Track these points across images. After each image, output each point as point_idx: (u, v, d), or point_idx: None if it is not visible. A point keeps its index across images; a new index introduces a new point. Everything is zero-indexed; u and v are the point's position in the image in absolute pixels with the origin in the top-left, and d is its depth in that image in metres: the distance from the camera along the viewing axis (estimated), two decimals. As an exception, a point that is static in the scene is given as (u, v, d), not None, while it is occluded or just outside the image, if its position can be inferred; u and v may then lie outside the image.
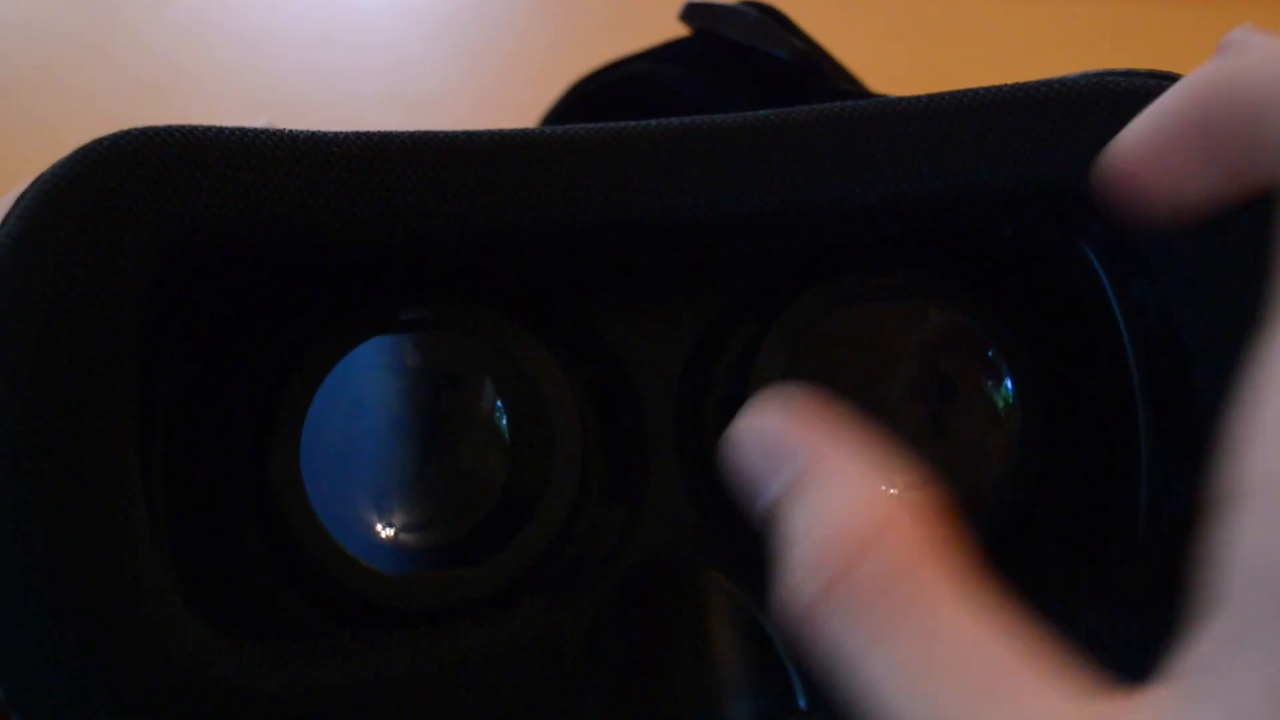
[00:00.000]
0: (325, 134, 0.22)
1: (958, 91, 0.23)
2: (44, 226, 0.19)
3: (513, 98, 0.58)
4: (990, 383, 0.26)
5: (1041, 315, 0.27)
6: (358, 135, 0.22)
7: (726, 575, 0.24)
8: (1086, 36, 0.63)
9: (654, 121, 0.23)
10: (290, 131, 0.22)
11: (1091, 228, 0.25)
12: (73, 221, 0.20)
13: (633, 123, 0.23)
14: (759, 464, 0.18)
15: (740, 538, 0.25)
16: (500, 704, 0.22)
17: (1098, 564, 0.25)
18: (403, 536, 0.24)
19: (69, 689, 0.19)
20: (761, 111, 0.23)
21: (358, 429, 0.24)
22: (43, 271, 0.19)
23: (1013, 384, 0.26)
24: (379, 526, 0.24)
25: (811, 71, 0.30)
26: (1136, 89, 0.23)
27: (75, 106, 0.58)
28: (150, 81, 0.60)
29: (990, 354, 0.26)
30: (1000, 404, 0.26)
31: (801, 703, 0.23)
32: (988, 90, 0.23)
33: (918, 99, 0.23)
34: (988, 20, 0.63)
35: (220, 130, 0.21)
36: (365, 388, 0.24)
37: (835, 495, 0.16)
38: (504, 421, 0.25)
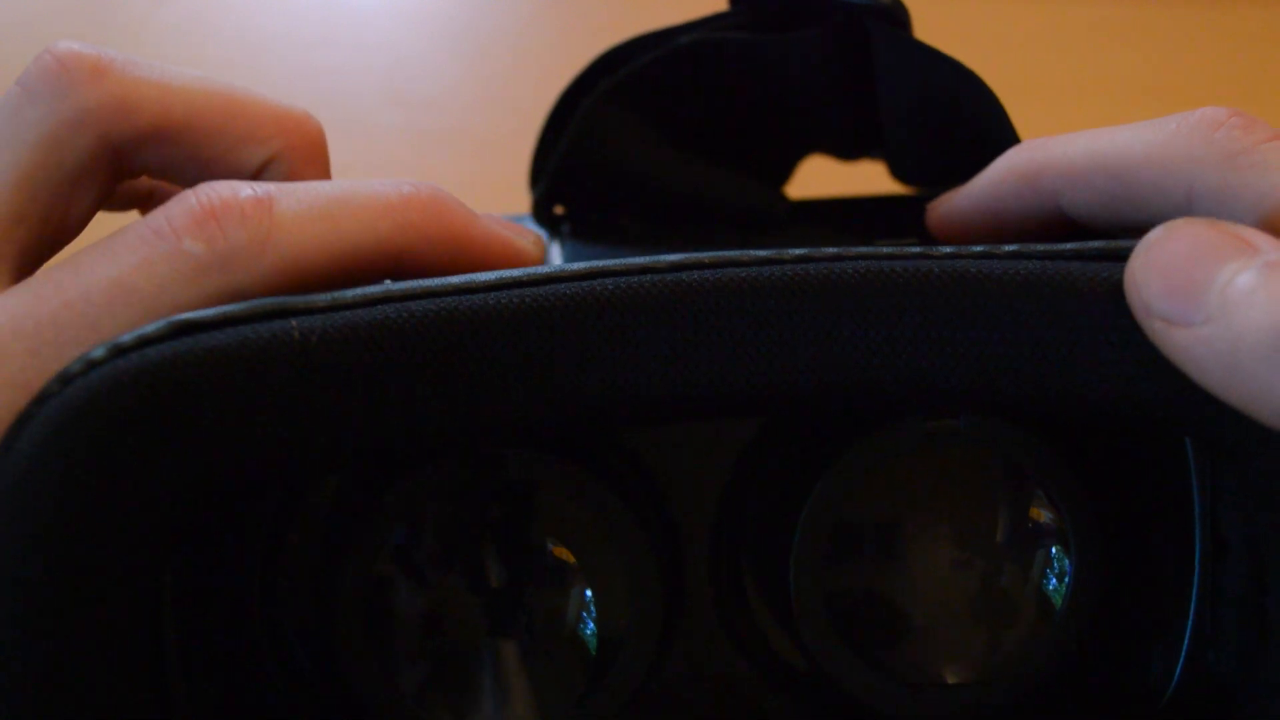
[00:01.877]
0: (337, 324, 0.19)
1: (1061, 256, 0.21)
2: (52, 469, 0.18)
3: (513, 98, 0.58)
4: (1044, 543, 0.25)
5: (1109, 470, 0.25)
6: (374, 323, 0.19)
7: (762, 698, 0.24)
8: (1087, 36, 0.63)
9: (718, 271, 0.20)
10: (304, 330, 0.19)
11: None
12: (82, 472, 0.18)
13: (695, 273, 0.20)
14: (1210, 251, 0.19)
15: (776, 672, 0.25)
16: None
17: None
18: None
19: None
20: (850, 260, 0.20)
21: (423, 601, 0.23)
22: (47, 517, 0.18)
23: (1068, 548, 0.24)
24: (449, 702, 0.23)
25: (889, 17, 0.28)
26: None
27: (75, 107, 0.58)
28: (150, 81, 0.60)
29: (1050, 514, 0.24)
30: (1052, 569, 0.25)
31: None
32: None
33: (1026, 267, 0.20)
34: (988, 20, 0.63)
35: (227, 348, 0.18)
36: (429, 557, 0.23)
37: None
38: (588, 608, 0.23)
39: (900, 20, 0.28)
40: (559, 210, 0.31)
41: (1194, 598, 0.23)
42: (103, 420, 0.18)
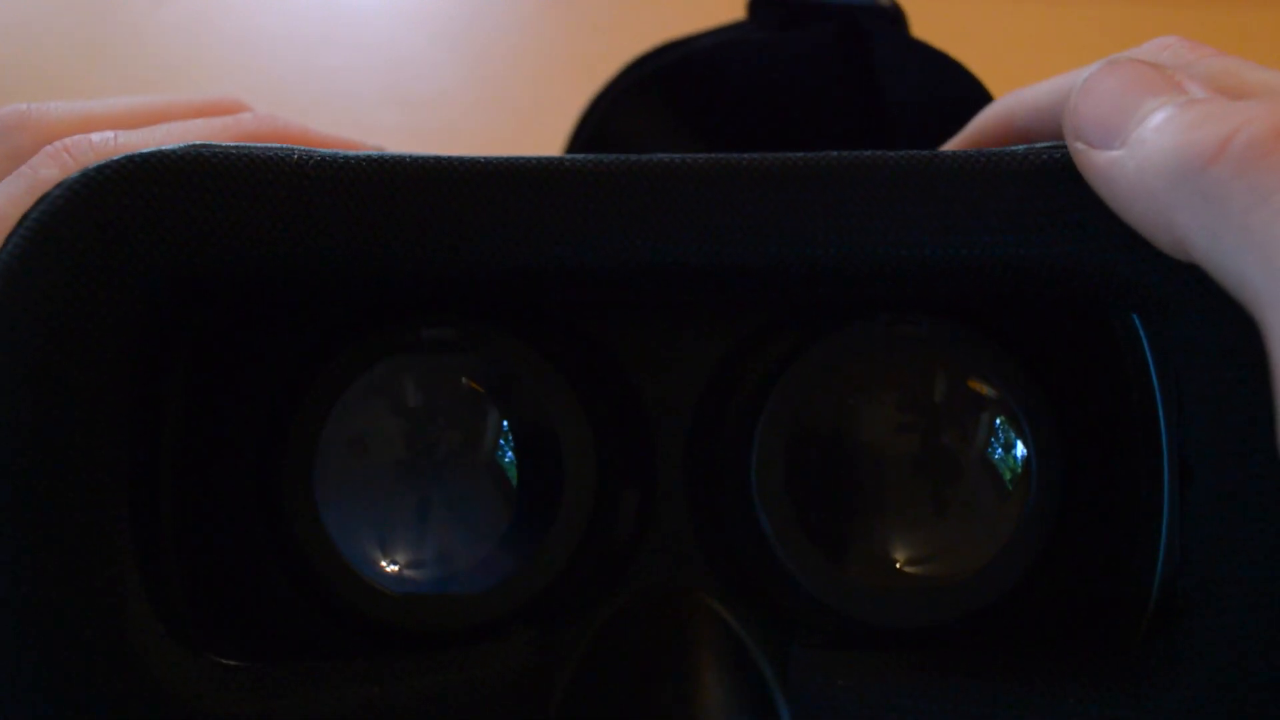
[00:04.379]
0: (336, 156, 0.21)
1: (1009, 150, 0.22)
2: (36, 260, 0.19)
3: (512, 98, 0.58)
4: (1005, 447, 0.25)
5: (1071, 376, 0.26)
6: (369, 159, 0.21)
7: (726, 608, 0.24)
8: (1087, 36, 0.63)
9: (675, 156, 0.22)
10: (302, 152, 0.21)
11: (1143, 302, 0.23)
12: (66, 255, 0.19)
13: (653, 156, 0.22)
14: (1132, 88, 0.21)
15: (742, 572, 0.25)
16: None
17: (1097, 648, 0.24)
18: (409, 559, 0.24)
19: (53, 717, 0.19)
20: (794, 154, 0.22)
21: (368, 452, 0.24)
22: (33, 309, 0.19)
23: (1030, 451, 0.25)
24: (387, 548, 0.24)
25: (888, 18, 0.29)
26: None
27: (75, 107, 0.58)
28: (150, 81, 0.60)
29: (1009, 416, 0.25)
30: (1012, 472, 0.25)
31: None
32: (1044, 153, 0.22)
33: (966, 155, 0.22)
34: (989, 21, 0.63)
35: (226, 153, 0.21)
36: (376, 411, 0.24)
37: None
38: (511, 452, 0.25)
39: (897, 19, 0.29)
40: None
41: (1166, 501, 0.23)
42: (118, 198, 0.20)
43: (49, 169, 0.22)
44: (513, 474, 0.24)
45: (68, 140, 0.23)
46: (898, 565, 0.25)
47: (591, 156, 0.22)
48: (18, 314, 0.19)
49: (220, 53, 0.62)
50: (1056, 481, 0.25)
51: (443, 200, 0.21)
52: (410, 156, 0.22)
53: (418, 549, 0.24)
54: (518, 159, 0.22)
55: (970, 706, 0.22)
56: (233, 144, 0.21)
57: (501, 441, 0.25)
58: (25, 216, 0.20)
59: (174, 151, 0.21)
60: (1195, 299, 0.21)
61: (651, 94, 0.32)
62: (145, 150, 0.20)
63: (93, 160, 0.21)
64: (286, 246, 0.21)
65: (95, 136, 0.23)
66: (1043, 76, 0.25)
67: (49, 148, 0.23)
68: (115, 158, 0.20)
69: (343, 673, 0.21)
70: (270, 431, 0.24)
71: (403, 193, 0.21)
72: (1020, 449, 0.25)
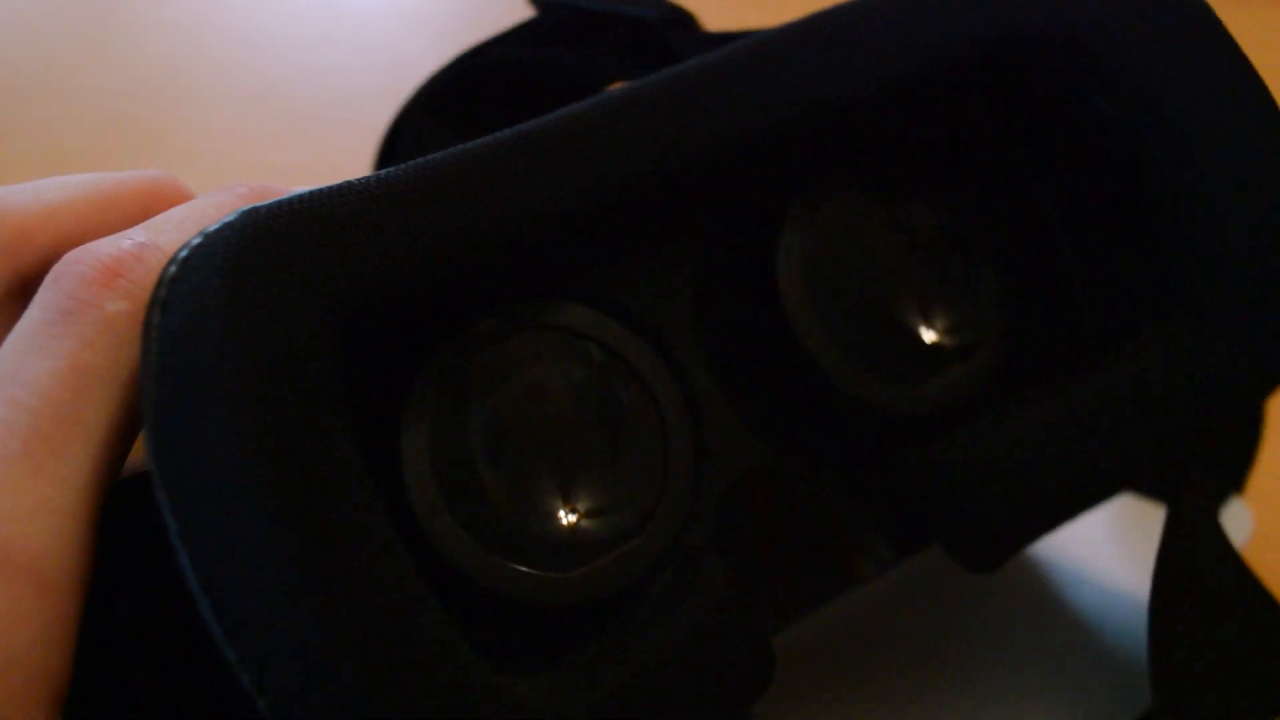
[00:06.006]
0: (370, 177, 0.22)
1: None
2: (245, 293, 0.20)
3: (513, 98, 0.58)
4: (963, 240, 0.28)
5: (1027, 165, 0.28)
6: (383, 175, 0.22)
7: (799, 469, 0.27)
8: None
9: (574, 107, 0.24)
10: (343, 186, 0.22)
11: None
12: (266, 289, 0.20)
13: (562, 111, 0.23)
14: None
15: (810, 439, 0.27)
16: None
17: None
18: (561, 536, 0.24)
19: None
20: (680, 65, 0.24)
21: (487, 430, 0.24)
22: (253, 328, 0.19)
23: (987, 242, 0.28)
24: (534, 533, 0.24)
25: (681, 25, 0.30)
26: None
27: (75, 106, 0.58)
28: (150, 81, 0.60)
29: (964, 214, 0.28)
30: (980, 255, 0.28)
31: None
32: None
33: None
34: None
35: (289, 203, 0.21)
36: (489, 394, 0.24)
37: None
38: (618, 414, 0.25)
39: (689, 25, 0.30)
40: None
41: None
42: (259, 240, 0.20)
43: (117, 303, 0.21)
44: (624, 434, 0.25)
45: (110, 262, 0.22)
46: (920, 343, 0.27)
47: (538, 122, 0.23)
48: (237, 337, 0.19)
49: (220, 52, 0.62)
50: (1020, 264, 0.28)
51: (473, 186, 0.22)
52: (421, 161, 0.22)
53: (566, 526, 0.24)
54: (506, 137, 0.23)
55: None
56: (275, 199, 0.21)
57: (610, 405, 0.25)
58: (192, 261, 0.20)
59: (274, 205, 0.21)
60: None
61: (434, 112, 0.32)
62: (252, 206, 0.20)
63: (150, 281, 0.21)
64: (398, 259, 0.21)
65: (132, 250, 0.22)
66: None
67: (95, 273, 0.21)
68: (237, 217, 0.20)
69: (592, 661, 0.22)
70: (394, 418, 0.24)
71: (440, 190, 0.22)
72: (980, 243, 0.28)
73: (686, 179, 0.24)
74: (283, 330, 0.20)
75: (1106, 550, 0.33)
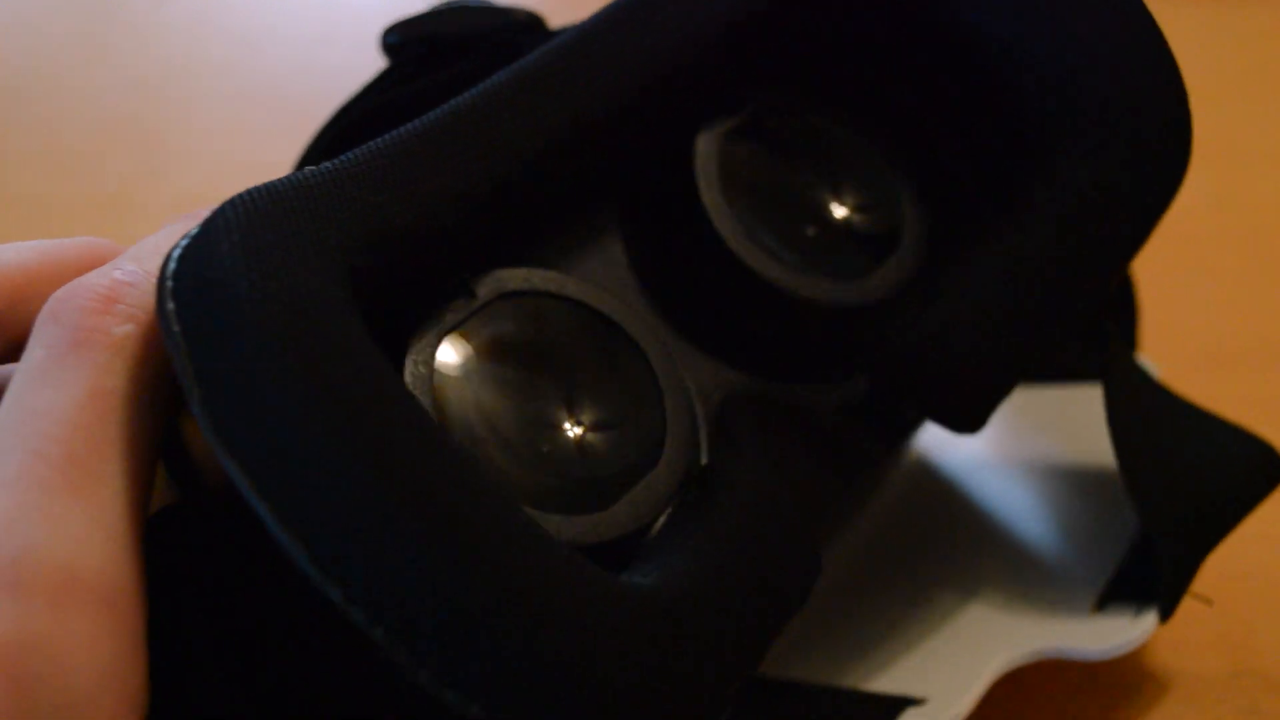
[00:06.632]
0: (349, 159, 0.23)
1: None
2: (256, 247, 0.20)
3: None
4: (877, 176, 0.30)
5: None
6: (371, 145, 0.23)
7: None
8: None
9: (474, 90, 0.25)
10: (323, 168, 0.22)
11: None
12: (274, 246, 0.20)
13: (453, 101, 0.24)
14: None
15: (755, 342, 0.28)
16: None
17: None
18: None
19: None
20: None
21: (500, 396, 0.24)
22: (272, 271, 0.20)
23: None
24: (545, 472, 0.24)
25: (533, 29, 0.31)
26: None
27: (75, 106, 0.58)
28: (150, 81, 0.60)
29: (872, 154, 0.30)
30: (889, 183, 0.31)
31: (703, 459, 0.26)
32: None
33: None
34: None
35: (284, 183, 0.22)
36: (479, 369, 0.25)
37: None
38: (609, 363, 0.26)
39: (538, 28, 0.31)
40: None
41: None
42: (261, 219, 0.21)
43: (123, 326, 0.21)
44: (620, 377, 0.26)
45: (105, 290, 0.21)
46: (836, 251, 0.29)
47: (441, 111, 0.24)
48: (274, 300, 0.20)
49: (221, 52, 0.62)
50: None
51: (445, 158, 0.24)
52: (390, 138, 0.23)
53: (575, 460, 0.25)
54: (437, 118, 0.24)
55: None
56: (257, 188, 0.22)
57: (598, 351, 0.26)
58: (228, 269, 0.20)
59: (251, 190, 0.21)
60: None
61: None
62: (227, 200, 0.21)
63: (148, 302, 0.21)
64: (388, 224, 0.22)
65: (124, 278, 0.22)
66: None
67: (96, 302, 0.21)
68: (228, 204, 0.21)
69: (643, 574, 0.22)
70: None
71: (422, 154, 0.23)
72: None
73: (601, 134, 0.25)
74: (301, 270, 0.20)
75: (1028, 448, 0.37)
